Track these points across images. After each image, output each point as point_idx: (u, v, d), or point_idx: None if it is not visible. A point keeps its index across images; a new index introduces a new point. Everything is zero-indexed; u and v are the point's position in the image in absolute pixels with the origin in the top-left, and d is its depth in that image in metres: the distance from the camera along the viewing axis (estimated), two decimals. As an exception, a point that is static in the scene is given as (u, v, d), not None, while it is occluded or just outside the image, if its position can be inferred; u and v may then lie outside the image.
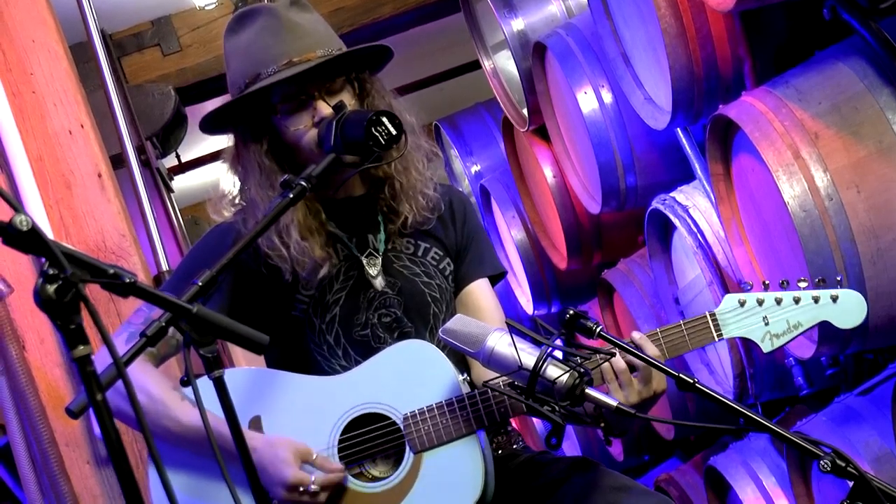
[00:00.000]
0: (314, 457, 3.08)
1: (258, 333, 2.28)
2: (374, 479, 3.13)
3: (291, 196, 2.90)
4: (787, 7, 4.19)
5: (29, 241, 1.79)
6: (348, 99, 3.25)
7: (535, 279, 6.91)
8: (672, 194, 4.95)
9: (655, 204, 4.98)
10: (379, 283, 3.31)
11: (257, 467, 3.00)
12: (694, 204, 4.84)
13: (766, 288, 3.13)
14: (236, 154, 3.37)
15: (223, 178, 3.42)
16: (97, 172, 4.25)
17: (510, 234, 6.87)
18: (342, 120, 3.10)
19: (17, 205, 1.80)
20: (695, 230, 4.77)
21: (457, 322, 2.89)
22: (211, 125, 3.38)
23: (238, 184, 3.36)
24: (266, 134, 3.31)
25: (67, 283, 1.81)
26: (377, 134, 3.04)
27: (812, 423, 4.33)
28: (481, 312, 3.35)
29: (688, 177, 5.06)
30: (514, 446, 3.29)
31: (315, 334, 3.27)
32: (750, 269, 4.34)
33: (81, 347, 1.82)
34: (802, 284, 3.12)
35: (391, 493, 3.10)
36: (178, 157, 7.44)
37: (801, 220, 3.77)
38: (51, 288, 1.82)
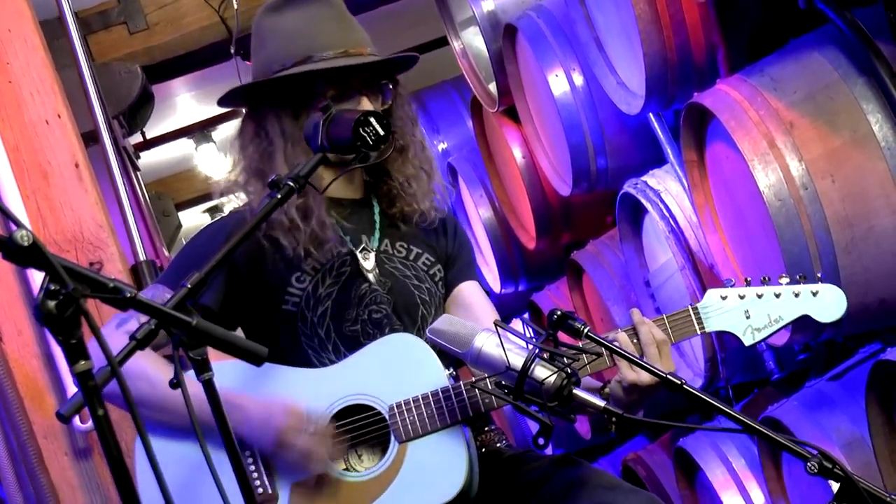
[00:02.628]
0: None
1: (257, 346, 2.27)
2: (360, 468, 3.15)
3: (279, 196, 2.90)
4: (762, -5, 4.22)
5: (30, 256, 1.78)
6: (376, 104, 3.30)
7: (503, 258, 6.93)
8: (644, 178, 4.96)
9: (627, 188, 4.99)
10: (373, 276, 3.31)
11: (250, 422, 3.03)
12: (666, 188, 4.86)
13: (747, 283, 3.15)
14: (257, 129, 3.36)
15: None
16: (74, 162, 4.22)
17: (478, 213, 6.87)
18: (328, 120, 3.10)
19: (17, 219, 1.79)
20: (667, 215, 4.79)
21: (444, 322, 2.88)
22: (240, 96, 3.40)
23: (252, 158, 3.36)
24: (304, 113, 3.30)
25: (69, 299, 1.80)
26: (365, 134, 3.03)
27: (784, 409, 4.37)
28: (474, 308, 3.36)
29: (658, 160, 5.07)
30: (498, 444, 3.29)
31: (307, 327, 3.27)
32: (723, 256, 4.36)
33: (83, 363, 1.82)
34: (783, 280, 3.15)
35: (376, 481, 3.10)
36: (143, 134, 7.38)
37: (777, 208, 3.79)
38: (52, 303, 1.81)
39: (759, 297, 3.13)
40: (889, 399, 3.76)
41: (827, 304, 3.16)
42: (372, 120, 3.05)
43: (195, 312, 2.22)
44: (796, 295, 3.14)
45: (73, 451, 4.11)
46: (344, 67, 3.25)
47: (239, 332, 3.36)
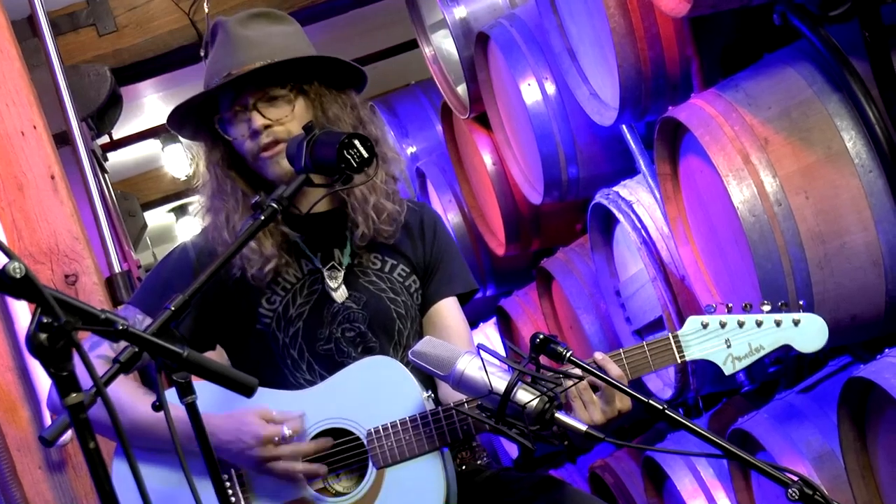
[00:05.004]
0: (274, 414, 3.12)
1: (247, 377, 2.26)
2: (338, 493, 3.14)
3: (263, 218, 2.90)
4: (736, 9, 4.22)
5: (22, 288, 1.77)
6: (277, 113, 3.27)
7: (471, 263, 6.90)
8: (615, 189, 4.97)
9: (599, 198, 5.00)
10: (339, 295, 3.30)
11: (223, 443, 3.03)
12: (637, 199, 4.87)
13: (728, 311, 3.14)
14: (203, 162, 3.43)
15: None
16: (50, 174, 4.20)
17: (446, 218, 6.86)
18: (312, 141, 3.08)
19: (11, 252, 1.78)
20: (639, 226, 4.80)
21: (426, 344, 2.89)
22: (178, 132, 3.50)
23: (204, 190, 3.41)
24: (220, 143, 3.37)
25: (60, 331, 1.80)
26: (349, 157, 3.02)
27: (754, 421, 4.38)
28: (447, 331, 3.35)
29: (630, 170, 5.08)
30: (479, 462, 3.30)
31: (279, 348, 3.28)
32: (695, 268, 4.37)
33: (73, 395, 1.81)
34: (765, 308, 3.14)
35: None
36: (110, 135, 7.36)
37: (751, 224, 3.80)
38: (43, 335, 1.80)
39: (741, 325, 3.12)
40: (861, 415, 3.78)
41: (808, 334, 3.14)
42: (356, 142, 3.03)
43: (184, 343, 2.22)
44: (778, 324, 3.12)
45: (47, 464, 4.08)
46: (222, 87, 3.27)
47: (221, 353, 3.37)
